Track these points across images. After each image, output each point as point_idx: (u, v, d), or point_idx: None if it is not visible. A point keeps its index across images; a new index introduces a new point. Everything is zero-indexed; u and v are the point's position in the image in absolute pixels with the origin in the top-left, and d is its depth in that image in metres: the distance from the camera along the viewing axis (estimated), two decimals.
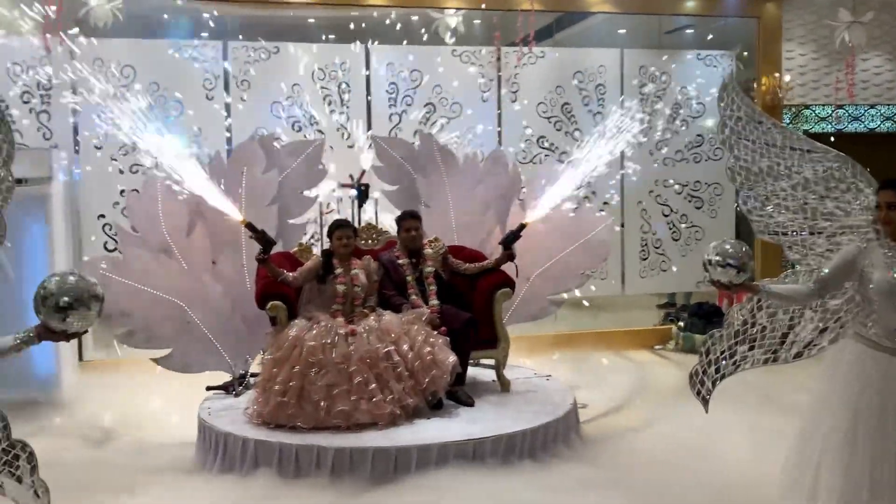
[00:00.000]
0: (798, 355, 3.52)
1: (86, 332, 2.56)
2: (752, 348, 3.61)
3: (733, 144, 3.83)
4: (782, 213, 3.66)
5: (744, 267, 3.07)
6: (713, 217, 8.04)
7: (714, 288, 3.34)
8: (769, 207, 3.71)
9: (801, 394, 4.67)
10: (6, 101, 6.26)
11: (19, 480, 3.10)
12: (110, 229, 6.54)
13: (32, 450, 3.17)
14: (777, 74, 8.01)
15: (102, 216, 6.59)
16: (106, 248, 6.56)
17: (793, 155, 3.65)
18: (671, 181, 7.92)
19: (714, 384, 3.72)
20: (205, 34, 6.82)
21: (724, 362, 3.65)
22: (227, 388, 5.26)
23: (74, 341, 6.22)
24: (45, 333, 2.46)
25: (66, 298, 2.42)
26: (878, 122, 8.52)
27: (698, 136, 7.96)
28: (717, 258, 3.09)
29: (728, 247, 3.12)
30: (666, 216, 7.95)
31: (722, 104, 3.87)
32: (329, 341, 4.51)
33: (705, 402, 3.78)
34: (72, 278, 2.47)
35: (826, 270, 3.18)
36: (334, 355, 4.45)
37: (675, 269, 7.95)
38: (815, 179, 3.59)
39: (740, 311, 3.68)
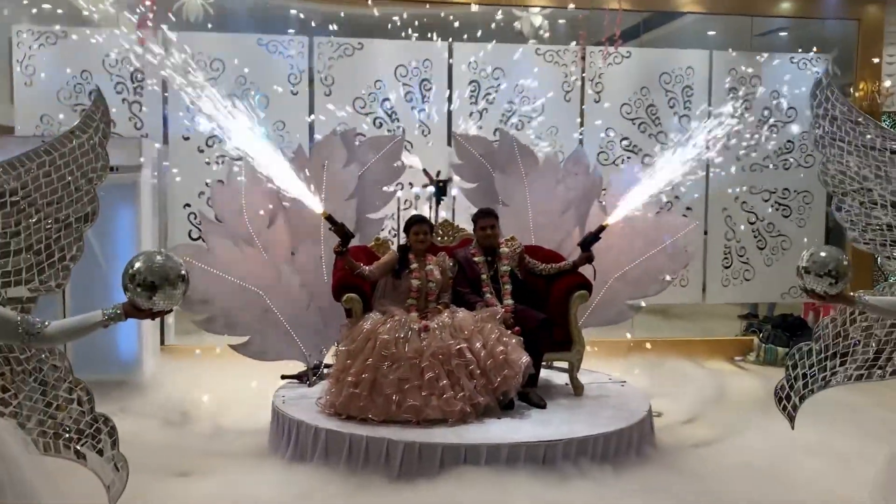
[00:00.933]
0: (894, 373, 3.31)
1: (171, 311, 2.62)
2: (843, 363, 3.42)
3: (827, 146, 3.65)
4: (880, 221, 3.46)
5: (841, 276, 2.87)
6: (801, 226, 7.73)
7: (804, 298, 3.16)
8: (865, 214, 3.51)
9: (891, 414, 4.43)
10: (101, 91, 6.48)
11: (101, 453, 3.21)
12: (195, 218, 6.71)
13: (114, 424, 3.27)
14: (878, 81, 7.66)
15: (188, 205, 6.78)
16: (190, 237, 6.74)
17: (893, 158, 3.46)
18: (759, 187, 7.65)
19: (801, 400, 3.54)
20: (291, 30, 6.93)
21: (812, 377, 3.46)
22: (301, 378, 5.32)
23: (157, 326, 6.46)
24: (132, 311, 2.52)
25: (153, 277, 2.47)
26: None
27: (788, 141, 7.67)
28: (813, 265, 2.91)
29: (824, 254, 2.92)
30: (752, 223, 7.69)
31: (815, 102, 3.69)
32: (402, 335, 4.51)
33: (791, 419, 3.60)
34: (159, 258, 2.53)
35: None
36: (407, 350, 4.45)
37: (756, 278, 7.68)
38: None
39: (832, 323, 3.49)
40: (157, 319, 2.73)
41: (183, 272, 2.54)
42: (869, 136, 3.48)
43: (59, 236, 3.05)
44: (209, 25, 6.81)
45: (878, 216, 3.47)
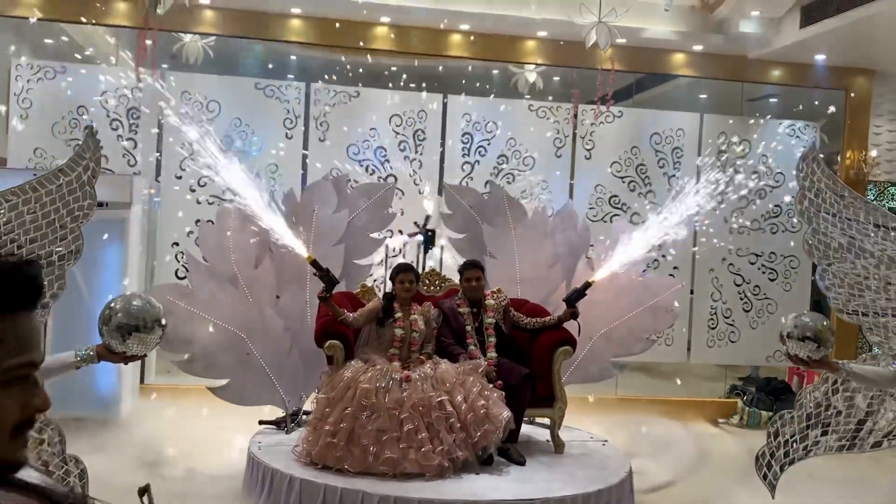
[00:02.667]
0: (876, 445, 3.30)
1: (145, 356, 2.58)
2: (825, 433, 3.41)
3: (812, 217, 3.69)
4: (863, 292, 3.49)
5: (824, 342, 2.87)
6: (787, 290, 7.78)
7: (789, 362, 3.15)
8: (848, 285, 3.54)
9: (877, 483, 4.40)
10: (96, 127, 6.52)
11: None
12: (182, 257, 6.70)
13: (85, 467, 3.21)
14: (864, 150, 7.78)
15: (176, 244, 6.77)
16: (177, 276, 6.71)
17: (877, 231, 3.50)
18: (746, 250, 7.71)
19: (782, 469, 3.52)
20: (291, 76, 7.02)
21: (794, 446, 3.45)
22: (278, 424, 5.25)
23: (137, 364, 6.40)
24: (105, 353, 2.49)
25: (128, 321, 2.44)
26: None
27: (776, 206, 7.75)
28: (795, 330, 2.91)
29: (808, 319, 2.92)
30: (738, 286, 7.72)
31: (801, 174, 3.74)
32: (383, 385, 4.47)
33: (772, 488, 3.57)
34: (137, 301, 2.50)
35: None
36: (387, 400, 4.40)
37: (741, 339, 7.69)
38: None
39: (814, 392, 3.48)
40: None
41: (160, 317, 2.51)
42: (853, 210, 3.52)
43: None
44: (205, 67, 6.89)
45: (861, 288, 3.49)
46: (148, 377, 6.92)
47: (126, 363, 2.54)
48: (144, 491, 1.53)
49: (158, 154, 6.77)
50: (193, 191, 6.80)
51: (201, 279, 5.31)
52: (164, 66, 6.64)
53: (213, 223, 5.56)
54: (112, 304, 2.49)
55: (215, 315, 5.20)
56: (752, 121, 7.73)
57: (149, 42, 6.38)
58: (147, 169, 6.75)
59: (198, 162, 4.93)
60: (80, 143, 3.27)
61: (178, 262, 6.75)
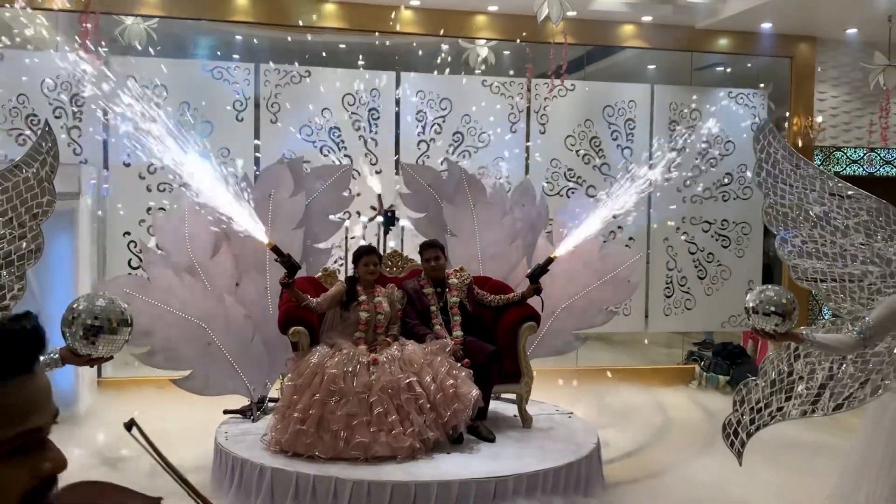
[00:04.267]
0: (838, 408, 3.40)
1: (111, 357, 2.50)
2: (788, 399, 3.49)
3: (770, 188, 3.76)
4: (821, 260, 3.57)
5: (788, 315, 2.93)
6: (740, 256, 7.93)
7: (744, 327, 3.21)
8: (807, 253, 3.62)
9: (842, 442, 4.53)
10: (38, 115, 6.30)
11: None
12: (135, 246, 6.54)
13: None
14: (810, 116, 7.95)
15: (128, 233, 6.60)
16: (130, 266, 6.56)
17: (832, 200, 3.58)
18: (699, 218, 7.84)
19: (749, 436, 3.60)
20: (237, 56, 6.86)
21: (759, 413, 3.53)
22: (244, 413, 5.20)
23: None
24: (70, 356, 2.41)
25: (93, 321, 2.37)
26: None
27: (727, 174, 7.88)
28: (759, 305, 2.96)
29: (772, 294, 2.97)
30: (692, 254, 7.85)
31: (758, 146, 3.80)
32: (350, 370, 4.44)
33: (739, 455, 3.66)
34: (101, 301, 2.42)
35: (871, 320, 3.04)
36: (355, 384, 4.38)
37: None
38: (854, 226, 3.50)
39: (777, 359, 3.57)
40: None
41: (127, 317, 2.44)
42: (809, 180, 3.59)
43: (0, 274, 2.92)
44: (152, 50, 6.68)
45: (818, 256, 3.57)
46: (105, 371, 6.77)
47: (92, 366, 2.46)
48: (131, 425, 1.45)
49: (104, 138, 6.56)
50: (143, 178, 6.63)
51: (157, 269, 5.19)
52: (106, 49, 6.42)
53: (166, 211, 5.42)
54: (75, 305, 2.40)
55: (174, 306, 5.09)
56: (696, 94, 7.82)
57: (88, 24, 6.17)
58: (95, 157, 6.55)
59: (148, 149, 4.80)
60: (35, 139, 3.15)
61: (131, 251, 6.59)
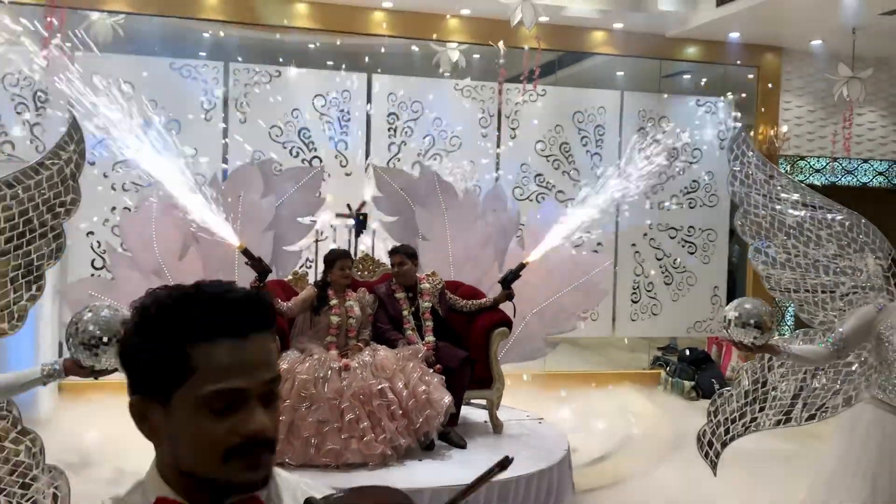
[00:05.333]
0: (811, 418, 3.44)
1: (115, 370, 2.42)
2: (762, 409, 3.52)
3: (743, 198, 3.79)
4: (793, 270, 3.61)
5: (765, 327, 2.96)
6: (706, 263, 8.02)
7: (709, 332, 3.24)
8: (780, 263, 3.66)
9: (814, 452, 4.58)
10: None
11: None
12: (98, 246, 6.40)
13: (67, 478, 3.05)
14: (775, 126, 8.08)
15: (91, 233, 6.45)
16: (93, 266, 6.41)
17: (805, 210, 3.62)
18: (665, 225, 7.91)
19: (723, 446, 3.62)
20: (204, 54, 6.75)
21: (733, 423, 3.55)
22: None
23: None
24: (73, 368, 2.35)
25: (97, 333, 2.31)
26: (871, 177, 8.60)
27: (693, 181, 7.97)
28: (738, 318, 2.98)
29: (749, 306, 2.99)
30: (659, 260, 7.92)
31: (732, 155, 3.84)
32: (322, 375, 4.38)
33: (714, 466, 3.67)
34: (105, 313, 2.37)
35: (844, 331, 3.08)
36: (326, 390, 4.32)
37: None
38: (827, 237, 3.55)
39: (750, 369, 3.60)
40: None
41: None
42: (782, 190, 3.63)
43: (17, 275, 2.83)
44: (116, 47, 6.55)
45: (791, 266, 3.61)
46: None
47: (96, 378, 2.40)
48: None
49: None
50: (107, 176, 6.49)
51: (123, 270, 5.09)
52: (69, 44, 6.26)
53: (133, 211, 5.31)
54: (79, 317, 2.35)
55: None
56: (664, 100, 7.90)
57: (55, 20, 6.02)
58: None
59: (113, 146, 4.69)
60: (62, 135, 3.07)
61: (95, 251, 6.44)
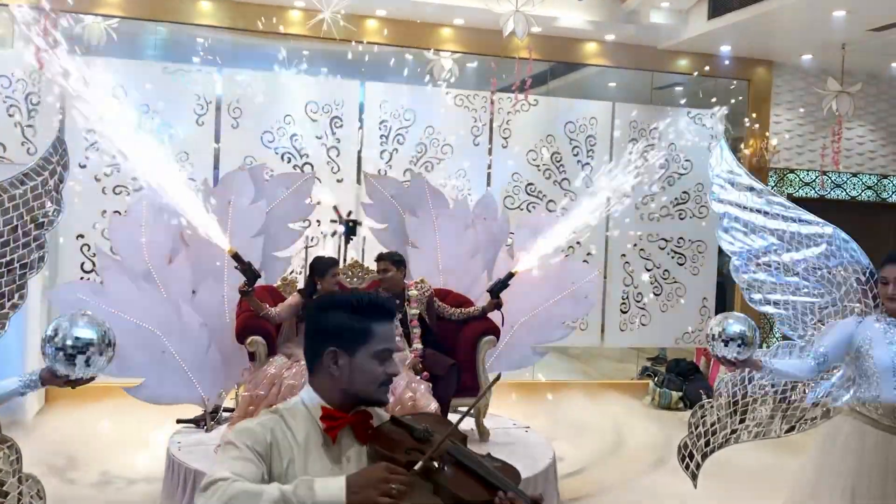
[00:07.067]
0: (790, 429, 3.47)
1: (92, 378, 2.42)
2: (742, 421, 3.55)
3: (725, 210, 3.82)
4: (774, 284, 3.64)
5: (749, 343, 2.97)
6: (695, 274, 8.06)
7: (698, 343, 3.26)
8: (761, 277, 3.69)
9: (793, 464, 4.60)
10: None
11: None
12: (88, 250, 6.40)
13: (42, 487, 3.07)
14: (767, 135, 8.14)
15: (81, 236, 6.45)
16: (83, 269, 6.42)
17: (786, 224, 3.65)
18: (656, 235, 7.95)
19: (704, 457, 3.64)
20: (197, 59, 6.77)
21: (714, 435, 3.57)
22: (198, 423, 5.11)
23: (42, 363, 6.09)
24: (49, 377, 2.35)
25: (73, 342, 2.31)
26: (860, 191, 8.66)
27: (684, 192, 8.01)
28: (721, 333, 2.99)
29: (732, 321, 3.00)
30: (648, 270, 7.96)
31: (716, 170, 3.87)
32: None
33: (694, 477, 3.69)
34: (82, 322, 2.36)
35: (824, 346, 3.11)
36: None
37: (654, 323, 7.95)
38: (807, 251, 3.58)
39: (731, 381, 3.62)
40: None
41: (110, 337, 2.39)
42: (764, 204, 3.66)
43: (0, 283, 2.86)
44: (110, 50, 6.56)
45: (772, 280, 3.64)
46: None
47: (73, 387, 2.39)
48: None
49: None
50: (98, 180, 6.50)
51: (112, 274, 5.08)
52: (63, 47, 6.27)
53: (122, 215, 5.32)
54: (55, 326, 2.35)
55: (128, 312, 4.99)
56: (655, 112, 7.95)
57: (48, 23, 6.02)
58: None
59: (106, 149, 4.70)
60: (47, 148, 3.13)
61: (84, 255, 6.45)
